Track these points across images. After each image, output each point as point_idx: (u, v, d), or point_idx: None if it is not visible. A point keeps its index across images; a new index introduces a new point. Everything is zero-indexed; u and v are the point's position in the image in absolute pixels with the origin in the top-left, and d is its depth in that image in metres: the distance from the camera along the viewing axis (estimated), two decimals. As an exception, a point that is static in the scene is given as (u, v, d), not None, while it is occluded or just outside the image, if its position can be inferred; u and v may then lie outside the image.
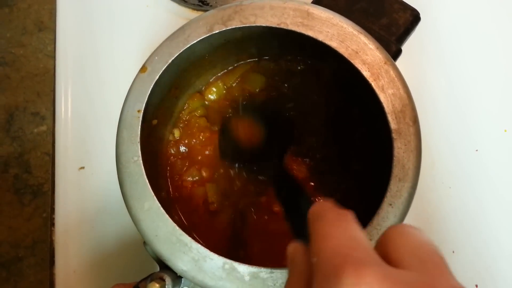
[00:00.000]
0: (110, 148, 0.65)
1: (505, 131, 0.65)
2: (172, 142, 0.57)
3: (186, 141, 0.58)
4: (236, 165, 0.57)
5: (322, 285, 0.24)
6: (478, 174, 0.64)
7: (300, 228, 0.32)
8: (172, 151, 0.57)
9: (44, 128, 0.66)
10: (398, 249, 0.26)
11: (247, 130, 0.56)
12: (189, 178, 0.57)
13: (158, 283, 0.42)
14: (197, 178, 0.57)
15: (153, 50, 0.49)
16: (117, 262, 0.63)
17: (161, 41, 0.49)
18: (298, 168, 0.56)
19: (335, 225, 0.27)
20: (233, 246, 0.54)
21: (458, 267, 0.60)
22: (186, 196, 0.56)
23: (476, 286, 0.60)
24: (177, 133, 0.57)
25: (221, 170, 0.57)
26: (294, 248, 0.30)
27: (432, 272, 0.24)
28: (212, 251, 0.43)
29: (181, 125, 0.58)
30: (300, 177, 0.56)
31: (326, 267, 0.24)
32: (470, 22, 0.70)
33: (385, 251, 0.26)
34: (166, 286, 0.43)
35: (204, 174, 0.57)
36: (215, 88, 0.59)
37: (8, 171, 0.63)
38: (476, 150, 0.65)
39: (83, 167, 0.66)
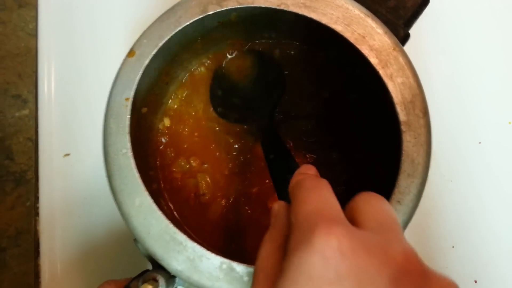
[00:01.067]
0: (97, 134, 0.62)
1: (510, 123, 0.64)
2: (162, 130, 0.55)
3: (176, 129, 0.55)
4: (225, 115, 0.56)
5: (299, 239, 0.28)
6: (481, 167, 0.63)
7: (285, 190, 0.36)
8: (162, 140, 0.55)
9: (26, 112, 0.63)
10: (362, 213, 0.31)
11: (240, 65, 0.56)
12: (179, 168, 0.54)
13: (151, 284, 0.40)
14: (187, 167, 0.55)
15: (142, 30, 0.46)
16: (105, 253, 0.61)
17: (151, 20, 0.46)
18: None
19: (312, 191, 0.32)
20: (225, 239, 0.53)
21: (457, 262, 0.60)
22: (177, 187, 0.54)
23: (475, 281, 0.60)
24: (167, 121, 0.55)
25: (216, 153, 0.55)
26: (278, 205, 0.35)
27: (388, 235, 0.29)
28: (204, 244, 0.40)
29: (171, 112, 0.55)
30: None
31: (303, 224, 0.29)
32: (478, 8, 0.68)
33: (351, 215, 0.31)
34: (160, 287, 0.40)
35: (194, 163, 0.55)
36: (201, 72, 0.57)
37: (-12, 158, 0.60)
38: (479, 143, 0.63)
39: (68, 154, 0.63)
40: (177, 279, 0.42)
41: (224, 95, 0.56)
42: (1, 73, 0.65)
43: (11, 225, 0.61)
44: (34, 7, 0.68)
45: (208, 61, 0.56)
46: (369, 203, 0.31)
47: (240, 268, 0.39)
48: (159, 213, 0.41)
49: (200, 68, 0.56)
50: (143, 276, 0.41)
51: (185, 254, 0.40)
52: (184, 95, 0.56)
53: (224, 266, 0.39)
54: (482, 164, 0.63)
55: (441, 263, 0.60)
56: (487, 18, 0.68)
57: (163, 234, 0.40)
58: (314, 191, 0.32)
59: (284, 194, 0.36)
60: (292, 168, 0.38)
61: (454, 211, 0.61)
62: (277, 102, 0.55)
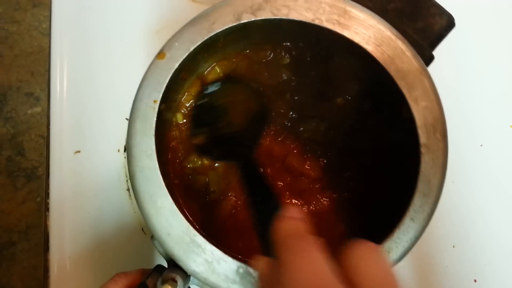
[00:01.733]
0: (107, 132, 0.64)
1: (511, 126, 0.66)
2: (176, 126, 0.55)
3: (189, 126, 0.56)
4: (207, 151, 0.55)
5: None
6: (482, 169, 0.65)
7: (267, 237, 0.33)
8: (176, 135, 0.55)
9: (38, 109, 0.63)
10: (360, 274, 0.28)
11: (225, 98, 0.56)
12: (190, 165, 0.55)
13: (170, 285, 0.41)
14: (199, 164, 0.55)
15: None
16: (114, 249, 0.61)
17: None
18: (311, 168, 0.56)
19: (300, 255, 0.29)
20: (233, 236, 0.53)
21: (458, 262, 0.62)
22: (187, 183, 0.54)
23: (475, 280, 0.61)
24: (180, 117, 0.55)
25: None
26: (262, 265, 0.33)
27: None
28: (211, 241, 0.42)
29: (184, 109, 0.55)
30: (314, 176, 0.55)
31: None
32: (480, 18, 0.70)
33: (347, 272, 0.28)
34: (178, 287, 0.41)
35: (206, 161, 0.55)
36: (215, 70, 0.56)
37: (1, 153, 0.60)
38: (481, 145, 0.65)
39: (79, 151, 0.64)
40: (191, 277, 0.43)
41: (206, 129, 0.56)
42: (14, 71, 0.66)
43: (21, 220, 0.62)
44: (48, 6, 0.69)
45: (224, 60, 0.56)
46: (367, 259, 0.29)
47: (256, 274, 0.40)
48: (180, 216, 0.42)
49: (215, 66, 0.56)
50: (161, 276, 0.42)
51: (203, 257, 0.41)
52: (197, 92, 0.56)
53: (241, 270, 0.41)
54: (483, 166, 0.65)
55: (441, 262, 0.62)
56: (489, 24, 0.70)
57: (183, 236, 0.41)
58: (303, 255, 0.29)
59: (267, 247, 0.34)
60: (275, 210, 0.35)
61: (455, 211, 0.63)
62: (258, 139, 0.55)
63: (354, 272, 0.28)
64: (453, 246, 0.62)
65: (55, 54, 0.67)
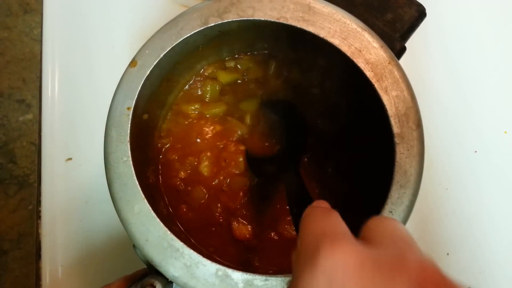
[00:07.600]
0: (99, 139, 0.63)
1: (505, 132, 0.65)
2: (162, 135, 0.55)
3: (176, 135, 0.56)
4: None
5: (304, 261, 0.27)
6: (476, 175, 0.63)
7: None
8: (163, 145, 0.55)
9: (30, 116, 0.64)
10: (373, 231, 0.29)
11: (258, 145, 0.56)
12: (180, 172, 0.55)
13: (148, 290, 0.41)
14: (188, 171, 0.55)
15: (146, 37, 0.46)
16: (106, 257, 0.61)
17: (154, 27, 0.47)
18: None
19: (318, 216, 0.31)
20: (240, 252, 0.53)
21: (452, 269, 0.60)
22: (177, 191, 0.54)
23: None
24: (166, 126, 0.55)
25: (224, 161, 0.55)
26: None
27: (401, 248, 0.27)
28: (189, 244, 0.41)
29: (171, 118, 0.56)
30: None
31: (308, 246, 0.27)
32: (473, 20, 0.69)
33: (363, 235, 0.29)
34: (157, 293, 0.41)
35: (194, 163, 0.55)
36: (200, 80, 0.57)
37: (-8, 161, 0.60)
38: (475, 151, 0.64)
39: (70, 159, 0.64)
40: (174, 285, 0.43)
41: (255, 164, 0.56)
42: (6, 77, 0.66)
43: (13, 228, 0.62)
44: (39, 13, 0.69)
45: (208, 69, 0.57)
46: (381, 222, 0.30)
47: (235, 275, 0.40)
48: (157, 220, 0.42)
49: (200, 76, 0.57)
50: (141, 281, 0.42)
51: (182, 261, 0.41)
52: (183, 101, 0.56)
53: (220, 273, 0.40)
54: (478, 172, 0.63)
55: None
56: (482, 30, 0.68)
57: (161, 241, 0.41)
58: (321, 216, 0.31)
59: None
60: None
61: (449, 219, 0.62)
62: (301, 154, 0.55)
63: (367, 231, 0.30)
64: (447, 254, 0.61)
65: (47, 60, 0.67)
